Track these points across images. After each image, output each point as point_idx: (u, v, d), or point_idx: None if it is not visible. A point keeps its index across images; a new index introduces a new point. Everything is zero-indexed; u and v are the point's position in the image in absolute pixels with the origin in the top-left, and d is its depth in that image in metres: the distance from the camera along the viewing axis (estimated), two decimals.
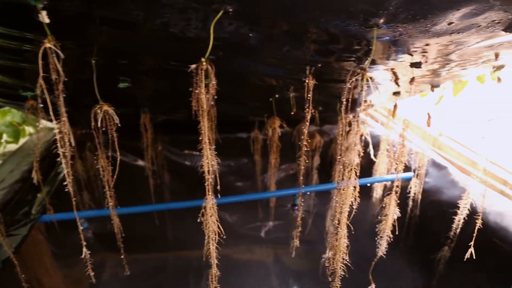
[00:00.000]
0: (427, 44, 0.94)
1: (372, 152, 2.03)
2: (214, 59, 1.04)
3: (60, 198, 1.79)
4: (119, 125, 1.03)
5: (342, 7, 0.66)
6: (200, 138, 0.78)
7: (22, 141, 2.02)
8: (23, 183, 1.63)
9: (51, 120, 1.71)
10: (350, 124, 1.73)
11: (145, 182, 2.10)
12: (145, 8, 0.68)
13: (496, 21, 0.77)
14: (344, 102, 0.80)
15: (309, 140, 2.18)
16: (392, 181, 1.94)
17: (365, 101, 1.78)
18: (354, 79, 0.76)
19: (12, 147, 1.95)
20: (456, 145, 2.20)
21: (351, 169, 0.84)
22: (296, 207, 1.86)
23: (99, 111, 0.99)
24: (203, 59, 0.70)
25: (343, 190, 0.88)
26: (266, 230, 2.54)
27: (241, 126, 2.28)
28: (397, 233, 1.40)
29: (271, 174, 1.88)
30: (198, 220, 0.91)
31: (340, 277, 1.10)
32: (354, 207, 0.90)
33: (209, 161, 0.79)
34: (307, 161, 2.25)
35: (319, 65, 1.05)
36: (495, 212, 1.52)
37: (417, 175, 1.77)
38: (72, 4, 0.66)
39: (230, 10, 0.66)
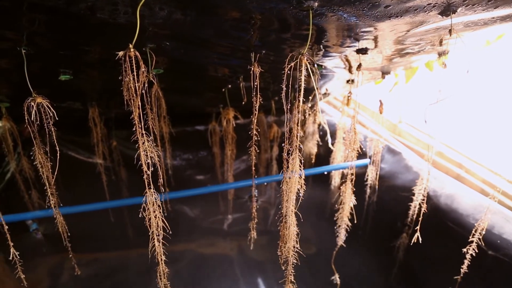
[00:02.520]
0: (373, 29, 0.94)
1: (330, 141, 2.05)
2: (155, 47, 1.01)
3: (6, 198, 1.70)
4: (60, 119, 0.97)
5: None
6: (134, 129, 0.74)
7: None
8: None
9: None
10: (304, 113, 1.72)
11: (101, 179, 2.03)
12: None
13: (432, 5, 0.77)
14: (284, 90, 0.78)
15: (264, 129, 2.18)
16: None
17: (317, 88, 1.77)
18: (292, 64, 0.74)
19: None
20: (414, 131, 2.26)
21: (295, 157, 0.82)
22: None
23: (32, 103, 0.92)
24: (130, 45, 0.66)
25: (289, 178, 0.86)
26: (229, 223, 2.52)
27: (198, 118, 2.24)
28: (355, 221, 1.41)
29: (228, 166, 1.86)
30: (140, 216, 0.88)
31: (293, 265, 1.09)
32: (300, 194, 0.88)
33: (147, 154, 0.75)
34: (266, 150, 2.24)
35: (264, 51, 1.03)
36: (446, 194, 1.57)
37: (373, 161, 1.80)
38: None
39: None
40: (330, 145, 2.02)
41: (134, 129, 0.75)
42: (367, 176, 1.81)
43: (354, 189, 1.31)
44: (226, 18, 0.79)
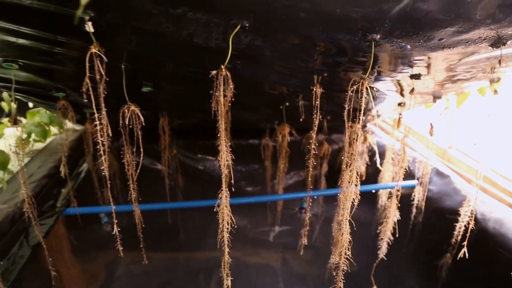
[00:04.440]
0: (426, 57, 1.04)
1: (378, 161, 2.12)
2: (232, 67, 1.16)
3: (81, 193, 1.91)
4: (143, 124, 1.14)
5: (342, 24, 0.76)
6: (218, 135, 0.89)
7: (48, 140, 2.16)
8: (49, 179, 1.76)
9: (78, 121, 1.85)
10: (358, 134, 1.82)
11: (159, 185, 2.20)
12: (174, 22, 0.79)
13: (483, 38, 0.87)
14: (346, 109, 0.90)
15: (316, 146, 2.28)
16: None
17: (370, 110, 1.87)
18: (354, 87, 0.86)
19: (39, 145, 2.09)
20: (464, 158, 2.26)
21: (352, 169, 0.93)
22: (304, 210, 1.96)
23: (126, 110, 1.10)
24: (222, 66, 0.80)
25: (346, 188, 0.97)
26: (275, 235, 2.62)
27: (253, 132, 2.38)
28: (397, 235, 1.47)
29: (280, 178, 1.98)
30: (215, 209, 1.00)
31: (343, 272, 1.17)
32: (355, 203, 0.98)
33: (225, 157, 0.89)
34: (315, 166, 2.34)
35: (326, 74, 1.15)
36: (494, 219, 1.59)
37: (421, 183, 1.85)
38: (114, 17, 0.78)
39: (247, 25, 0.77)
40: (378, 165, 2.09)
41: (215, 142, 0.89)
42: (414, 196, 1.86)
43: (399, 205, 1.38)
44: (298, 45, 0.92)
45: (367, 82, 0.85)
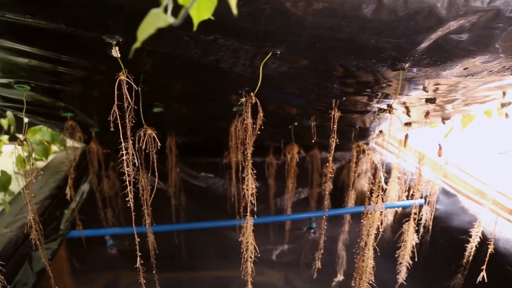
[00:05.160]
0: (446, 84, 1.04)
1: (383, 180, 2.12)
2: (249, 89, 1.15)
3: (84, 214, 1.87)
4: (159, 147, 1.11)
5: (374, 53, 0.77)
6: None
7: (49, 158, 2.12)
8: (52, 200, 1.71)
9: (85, 141, 1.82)
10: (363, 152, 1.82)
11: (162, 204, 2.16)
12: (203, 47, 0.78)
13: (506, 67, 0.88)
14: (374, 136, 0.89)
15: (320, 164, 2.28)
16: (404, 207, 2.02)
17: (381, 131, 1.88)
18: (381, 114, 0.86)
19: (40, 164, 2.04)
20: (462, 174, 2.27)
21: (378, 195, 0.92)
22: (312, 230, 1.94)
23: (142, 134, 1.08)
24: (252, 94, 0.80)
25: (370, 214, 0.96)
26: (278, 253, 2.58)
27: (256, 150, 2.36)
28: (416, 259, 1.46)
29: (288, 198, 1.97)
30: (239, 239, 0.98)
31: None
32: (381, 230, 0.97)
33: (250, 184, 0.88)
34: (319, 185, 2.33)
35: (344, 98, 1.16)
36: (504, 239, 1.59)
37: (428, 202, 1.85)
38: (143, 42, 0.77)
39: (278, 52, 0.76)
40: (383, 184, 2.09)
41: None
42: (422, 215, 1.86)
43: (417, 228, 1.38)
44: (323, 72, 0.92)
45: (393, 110, 0.85)
